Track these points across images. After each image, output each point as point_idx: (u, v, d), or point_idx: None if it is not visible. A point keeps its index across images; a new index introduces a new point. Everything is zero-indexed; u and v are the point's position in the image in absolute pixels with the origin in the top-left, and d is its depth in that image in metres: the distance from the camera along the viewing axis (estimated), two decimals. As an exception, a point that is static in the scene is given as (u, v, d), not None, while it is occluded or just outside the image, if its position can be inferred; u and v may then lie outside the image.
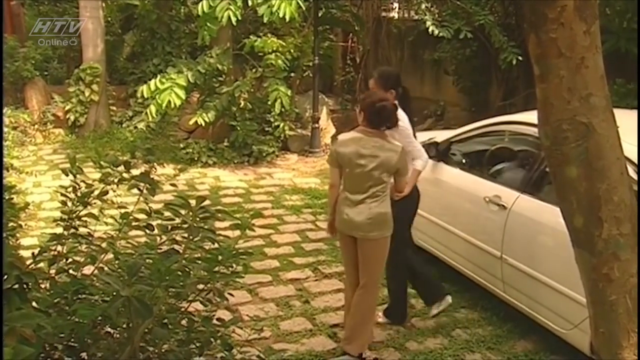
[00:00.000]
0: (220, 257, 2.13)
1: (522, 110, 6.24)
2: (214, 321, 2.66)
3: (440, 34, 9.71)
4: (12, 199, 2.98)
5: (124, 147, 10.21)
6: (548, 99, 2.05)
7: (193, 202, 2.50)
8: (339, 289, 5.82)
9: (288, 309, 5.44)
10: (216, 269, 2.19)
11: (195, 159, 9.69)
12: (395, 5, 14.99)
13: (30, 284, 1.81)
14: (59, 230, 2.83)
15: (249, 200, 8.32)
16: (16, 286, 1.70)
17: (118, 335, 2.59)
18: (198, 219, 2.24)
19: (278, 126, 10.02)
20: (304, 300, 5.61)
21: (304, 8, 9.28)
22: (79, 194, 2.80)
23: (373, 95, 4.66)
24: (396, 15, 14.92)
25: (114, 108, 11.75)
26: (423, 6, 10.41)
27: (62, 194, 2.79)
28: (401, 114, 4.71)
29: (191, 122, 9.59)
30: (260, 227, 6.95)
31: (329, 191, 4.71)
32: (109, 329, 2.61)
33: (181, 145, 10.04)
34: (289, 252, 6.62)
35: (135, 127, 10.82)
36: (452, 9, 10.31)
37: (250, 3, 8.96)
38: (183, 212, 2.43)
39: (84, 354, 2.51)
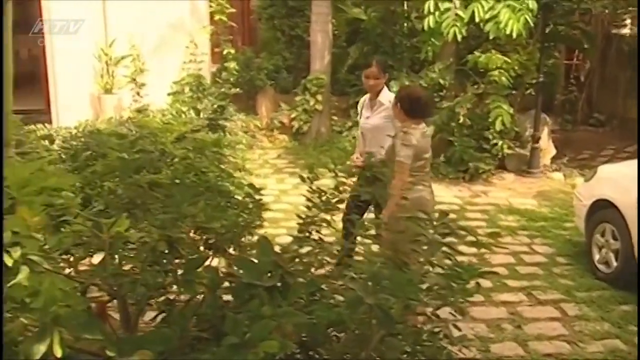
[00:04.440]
0: (460, 274, 2.14)
1: None
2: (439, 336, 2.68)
3: (683, 53, 8.97)
4: (261, 199, 3.21)
5: (342, 156, 10.55)
6: None
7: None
8: (553, 317, 5.60)
9: (499, 331, 5.32)
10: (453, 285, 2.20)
11: (411, 172, 9.76)
12: (628, 21, 14.09)
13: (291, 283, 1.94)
14: (281, 230, 3.02)
15: (463, 217, 8.23)
16: (279, 284, 1.84)
17: (345, 341, 2.69)
18: (439, 234, 2.27)
19: (496, 144, 9.82)
20: (516, 325, 5.45)
21: (531, 24, 9.04)
22: (323, 200, 2.95)
23: (409, 89, 5.43)
24: (628, 32, 14.01)
25: (335, 118, 12.20)
26: (664, 23, 9.67)
27: (308, 199, 2.96)
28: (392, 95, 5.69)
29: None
30: (472, 246, 6.87)
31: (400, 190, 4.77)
32: (335, 333, 2.73)
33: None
34: (502, 274, 6.46)
35: (354, 137, 11.13)
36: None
37: (477, 19, 8.91)
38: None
39: (312, 352, 2.64)
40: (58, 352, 1.63)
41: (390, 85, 9.65)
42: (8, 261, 1.90)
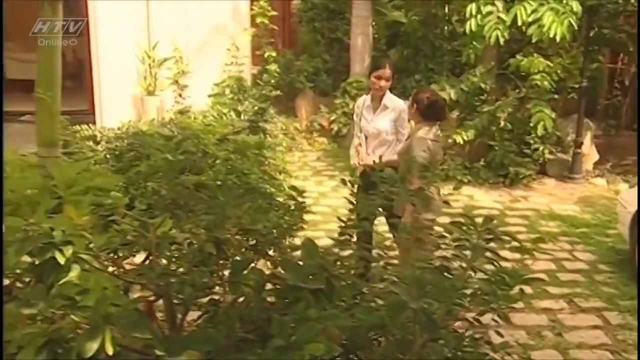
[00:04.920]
0: (507, 280, 2.13)
1: None
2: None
3: None
4: (304, 202, 3.24)
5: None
6: None
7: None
8: (596, 326, 5.52)
9: (539, 339, 5.27)
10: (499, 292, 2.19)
11: (450, 176, 9.71)
12: (679, 22, 13.76)
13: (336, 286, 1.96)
14: (319, 233, 3.03)
15: (503, 222, 8.14)
16: (323, 287, 1.86)
17: (385, 344, 2.69)
18: (482, 240, 2.26)
19: (537, 149, 9.72)
20: (557, 333, 5.40)
21: (575, 27, 8.91)
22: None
23: (427, 91, 5.45)
24: (678, 34, 13.69)
25: (374, 121, 12.17)
26: None
27: (350, 202, 2.97)
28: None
29: (449, 140, 9.66)
30: (514, 251, 6.81)
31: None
32: (376, 336, 2.73)
33: (437, 161, 10.12)
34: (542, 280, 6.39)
35: (393, 140, 11.12)
36: None
37: (519, 22, 8.83)
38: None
39: (352, 356, 2.64)
40: (109, 350, 1.67)
41: (431, 88, 9.65)
42: (60, 259, 1.95)
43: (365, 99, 6.05)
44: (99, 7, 10.00)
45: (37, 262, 1.99)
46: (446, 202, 3.37)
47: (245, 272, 1.96)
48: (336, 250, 2.91)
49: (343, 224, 3.11)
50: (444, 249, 2.72)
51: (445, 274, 2.54)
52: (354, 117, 6.23)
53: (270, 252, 3.04)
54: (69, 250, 1.97)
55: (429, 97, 5.28)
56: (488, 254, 2.35)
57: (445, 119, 5.56)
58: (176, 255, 2.29)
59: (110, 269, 2.59)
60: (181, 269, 2.13)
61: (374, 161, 5.76)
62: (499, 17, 9.06)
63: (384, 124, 5.78)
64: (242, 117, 10.65)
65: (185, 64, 10.73)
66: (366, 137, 5.92)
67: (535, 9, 8.78)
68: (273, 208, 3.53)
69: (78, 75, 11.61)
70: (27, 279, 3.01)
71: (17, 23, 13.64)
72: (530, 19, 8.79)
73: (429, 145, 5.02)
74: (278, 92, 11.44)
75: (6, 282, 3.23)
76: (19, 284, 2.71)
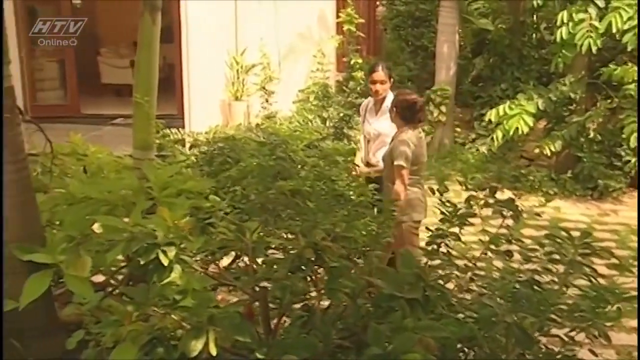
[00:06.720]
0: (608, 297, 2.08)
1: None
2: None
3: None
4: (394, 211, 3.24)
5: (464, 168, 10.39)
6: None
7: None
8: (693, 347, 5.28)
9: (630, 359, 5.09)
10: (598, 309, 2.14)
11: (536, 187, 9.49)
12: None
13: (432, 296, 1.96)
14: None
15: (591, 237, 7.88)
16: (419, 297, 1.86)
17: (475, 357, 2.66)
18: (579, 255, 2.22)
19: (629, 161, 9.37)
20: (648, 354, 5.20)
21: (676, 33, 8.57)
22: (452, 213, 2.95)
23: (405, 94, 5.37)
24: None
25: (458, 129, 12.03)
26: None
27: (441, 212, 2.97)
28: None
29: (536, 150, 9.45)
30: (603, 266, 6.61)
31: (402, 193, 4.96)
32: (464, 348, 2.71)
33: (522, 172, 9.91)
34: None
35: (477, 150, 10.95)
36: None
37: (614, 30, 8.56)
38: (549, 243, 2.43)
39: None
40: (213, 350, 1.73)
41: (517, 97, 9.49)
42: (164, 260, 2.03)
43: (369, 101, 6.09)
44: (190, 14, 10.30)
45: (142, 262, 2.07)
46: (537, 215, 3.30)
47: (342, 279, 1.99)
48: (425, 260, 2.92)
49: (431, 234, 3.12)
50: (534, 262, 2.69)
51: (535, 287, 2.51)
52: (360, 118, 6.28)
53: (357, 260, 3.06)
54: (172, 252, 2.05)
55: (407, 99, 5.26)
56: (585, 269, 2.30)
57: (425, 120, 5.62)
58: (270, 259, 2.34)
59: (199, 269, 2.68)
60: (276, 274, 2.17)
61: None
62: (591, 25, 8.81)
63: (384, 126, 5.77)
64: (327, 123, 10.72)
65: (272, 71, 10.91)
66: (368, 140, 5.95)
67: (631, 16, 8.49)
68: (361, 215, 3.56)
69: (168, 80, 11.98)
70: (121, 277, 3.13)
71: (111, 31, 14.27)
72: (625, 27, 8.51)
73: (411, 148, 5.03)
74: (363, 99, 11.48)
75: (101, 278, 3.38)
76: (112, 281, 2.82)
